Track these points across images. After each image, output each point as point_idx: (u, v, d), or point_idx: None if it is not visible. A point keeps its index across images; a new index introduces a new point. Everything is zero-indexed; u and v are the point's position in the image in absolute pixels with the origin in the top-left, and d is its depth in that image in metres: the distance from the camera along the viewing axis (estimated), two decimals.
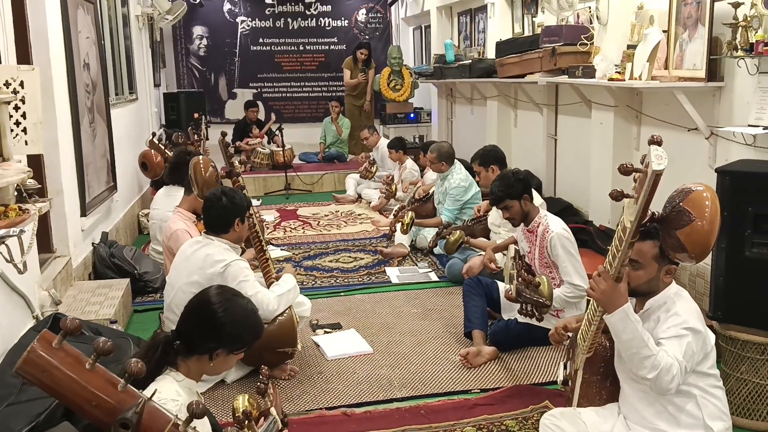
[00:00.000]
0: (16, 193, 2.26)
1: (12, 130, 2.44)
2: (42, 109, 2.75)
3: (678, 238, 2.12)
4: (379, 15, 12.40)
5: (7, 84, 2.46)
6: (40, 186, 2.48)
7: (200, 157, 3.95)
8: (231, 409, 2.06)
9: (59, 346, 1.41)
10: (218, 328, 2.17)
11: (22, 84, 2.49)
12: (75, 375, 1.40)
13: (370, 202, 7.97)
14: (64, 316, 3.13)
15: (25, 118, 2.50)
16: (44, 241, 4.16)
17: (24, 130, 2.51)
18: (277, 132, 9.27)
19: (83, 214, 4.77)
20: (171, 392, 1.97)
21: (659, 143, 2.03)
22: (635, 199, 2.08)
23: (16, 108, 2.49)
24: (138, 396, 1.43)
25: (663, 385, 2.24)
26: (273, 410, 2.05)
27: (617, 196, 2.12)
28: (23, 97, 2.49)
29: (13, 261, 2.23)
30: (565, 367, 2.86)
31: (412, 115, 10.32)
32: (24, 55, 3.91)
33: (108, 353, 1.40)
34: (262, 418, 2.02)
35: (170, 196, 4.90)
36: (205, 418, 1.68)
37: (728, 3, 3.63)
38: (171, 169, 5.09)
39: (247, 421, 1.86)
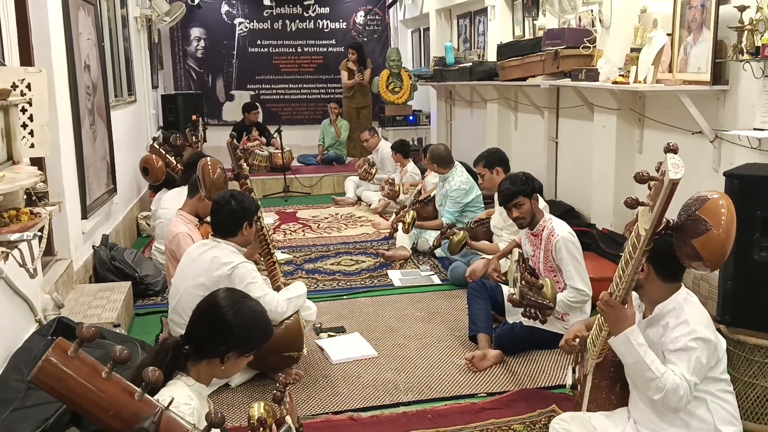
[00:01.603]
0: (24, 197, 2.24)
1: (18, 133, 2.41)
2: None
3: (694, 247, 2.10)
4: (377, 17, 12.39)
5: (14, 86, 2.43)
6: (47, 190, 2.46)
7: (208, 158, 3.92)
8: (246, 416, 2.05)
9: (75, 354, 1.38)
10: (228, 330, 2.17)
11: (29, 86, 2.47)
12: (91, 384, 1.37)
13: (369, 205, 7.95)
14: (68, 320, 3.10)
15: (32, 120, 2.48)
16: (45, 244, 4.12)
17: (31, 133, 2.48)
18: (276, 134, 9.25)
19: (84, 216, 4.75)
20: (183, 396, 1.97)
21: (675, 151, 2.02)
22: (650, 207, 2.07)
23: (23, 110, 2.46)
24: (155, 405, 1.40)
25: (671, 405, 2.26)
26: (288, 418, 2.03)
27: (632, 204, 2.11)
28: (30, 99, 2.47)
29: (25, 265, 2.21)
30: (573, 372, 2.85)
31: (410, 118, 10.31)
32: (26, 57, 3.89)
33: (125, 361, 1.38)
34: (275, 426, 2.00)
35: (182, 197, 4.88)
36: None
37: (734, 6, 3.63)
38: (186, 170, 5.08)
39: (262, 428, 1.84)
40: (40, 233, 2.15)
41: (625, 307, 2.29)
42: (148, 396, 1.42)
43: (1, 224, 1.94)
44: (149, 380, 1.39)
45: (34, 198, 2.28)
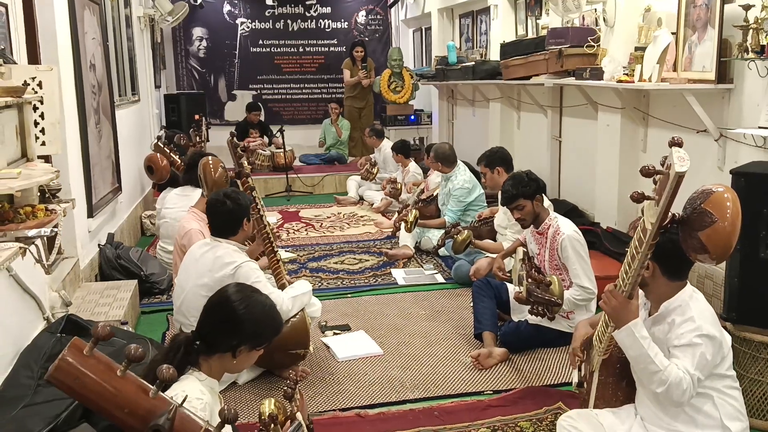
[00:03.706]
0: (38, 194, 2.25)
1: None
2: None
3: (700, 240, 2.11)
4: (378, 17, 12.41)
5: (25, 84, 2.45)
6: (61, 186, 2.47)
7: (210, 157, 3.94)
8: (253, 413, 2.06)
9: (90, 353, 1.40)
10: (239, 324, 2.19)
11: (40, 84, 2.49)
12: (106, 382, 1.39)
13: (372, 204, 7.96)
14: (77, 318, 3.11)
15: (43, 118, 2.49)
16: (51, 242, 4.14)
17: (42, 131, 2.50)
18: (278, 134, 9.26)
19: (90, 215, 4.76)
20: (195, 391, 1.98)
21: (680, 145, 2.03)
22: (656, 200, 2.08)
23: (35, 108, 2.47)
24: (169, 402, 1.42)
25: (674, 399, 2.26)
26: (299, 415, 2.04)
27: (638, 198, 2.11)
28: (41, 97, 2.48)
29: (41, 261, 2.22)
30: (579, 370, 2.86)
31: (412, 117, 10.31)
32: (33, 56, 3.90)
33: (140, 360, 1.39)
34: (288, 422, 2.01)
35: (185, 197, 4.90)
36: None
37: (739, 5, 3.64)
38: (187, 169, 5.10)
39: (272, 425, 1.85)
40: (56, 229, 2.17)
41: (630, 301, 2.30)
42: (162, 393, 1.43)
43: (17, 220, 1.96)
44: (163, 378, 1.41)
45: (47, 195, 2.29)
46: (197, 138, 7.90)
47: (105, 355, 1.43)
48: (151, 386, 1.42)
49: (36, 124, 2.49)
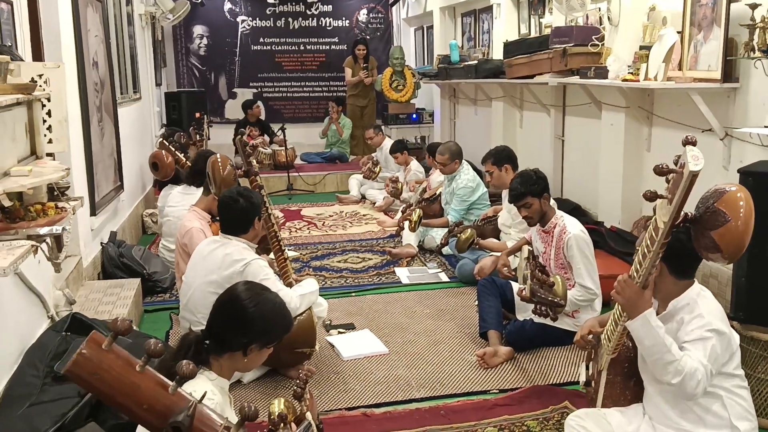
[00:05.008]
0: (47, 191, 2.24)
1: None
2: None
3: (712, 239, 2.11)
4: (380, 15, 12.39)
5: (32, 81, 2.44)
6: (69, 185, 2.46)
7: (218, 155, 3.93)
8: (264, 411, 2.05)
9: (109, 348, 1.38)
10: (250, 322, 2.18)
11: (47, 82, 2.48)
12: (125, 377, 1.37)
13: (374, 203, 7.95)
14: (82, 316, 3.11)
15: (50, 116, 2.48)
16: (59, 241, 4.13)
17: (49, 128, 2.49)
18: (279, 132, 9.24)
19: (93, 213, 4.75)
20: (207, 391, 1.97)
21: (694, 143, 2.02)
22: (669, 199, 2.07)
23: (42, 105, 2.47)
24: (189, 399, 1.41)
25: (688, 390, 2.24)
26: (308, 415, 2.03)
27: (651, 196, 2.11)
28: (48, 94, 2.48)
29: (52, 259, 2.22)
30: (587, 369, 2.86)
31: (414, 116, 10.30)
32: (37, 53, 3.89)
33: (159, 355, 1.38)
34: (293, 424, 2.00)
35: (189, 195, 4.90)
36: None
37: (745, 4, 3.64)
38: (192, 167, 5.09)
39: (282, 424, 1.84)
40: (67, 227, 2.16)
41: (644, 290, 2.28)
42: (181, 390, 1.42)
43: (28, 218, 1.95)
44: (183, 373, 1.39)
45: (56, 192, 2.29)
46: (197, 136, 7.88)
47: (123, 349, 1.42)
48: (170, 382, 1.41)
49: (43, 121, 2.48)
